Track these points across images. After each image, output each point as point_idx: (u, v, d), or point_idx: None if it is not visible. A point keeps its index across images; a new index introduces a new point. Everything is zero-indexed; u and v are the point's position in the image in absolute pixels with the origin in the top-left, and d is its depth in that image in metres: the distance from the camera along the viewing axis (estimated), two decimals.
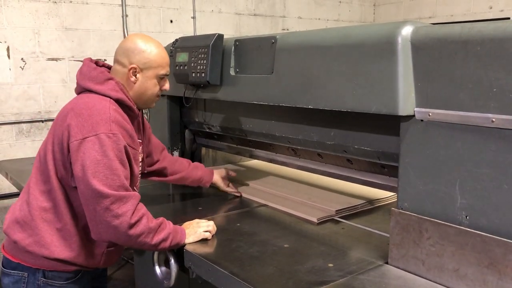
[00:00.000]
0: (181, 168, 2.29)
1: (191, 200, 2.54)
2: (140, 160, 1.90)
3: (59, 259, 1.70)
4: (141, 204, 1.66)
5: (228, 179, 2.45)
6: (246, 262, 1.67)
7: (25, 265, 1.72)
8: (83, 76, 1.75)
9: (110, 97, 1.70)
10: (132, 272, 3.61)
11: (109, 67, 1.84)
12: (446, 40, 1.41)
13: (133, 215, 1.59)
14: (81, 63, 1.85)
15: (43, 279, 1.72)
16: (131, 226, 1.58)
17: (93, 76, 1.72)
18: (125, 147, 1.65)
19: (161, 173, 2.25)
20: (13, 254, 1.74)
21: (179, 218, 2.14)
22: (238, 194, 2.43)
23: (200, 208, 2.32)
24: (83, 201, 1.61)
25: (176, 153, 2.87)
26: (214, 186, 2.43)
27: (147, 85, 1.78)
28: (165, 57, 1.81)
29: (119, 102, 1.72)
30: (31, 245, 1.68)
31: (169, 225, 1.74)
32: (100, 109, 1.64)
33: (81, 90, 1.76)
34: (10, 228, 1.72)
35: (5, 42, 3.72)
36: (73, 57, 3.98)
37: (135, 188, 1.80)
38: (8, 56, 3.75)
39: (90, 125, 1.59)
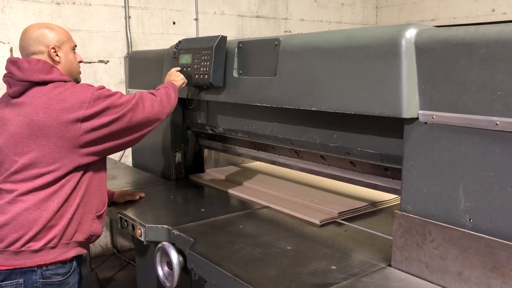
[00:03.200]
0: None
1: (193, 201, 2.54)
2: None
3: (59, 245, 1.73)
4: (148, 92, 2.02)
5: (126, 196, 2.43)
6: (249, 264, 1.67)
7: (21, 267, 1.67)
8: (29, 71, 1.74)
9: (65, 81, 1.79)
10: (134, 273, 3.61)
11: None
12: (450, 42, 1.41)
13: (154, 99, 1.99)
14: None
15: (42, 280, 1.70)
16: (159, 102, 1.99)
17: (40, 68, 1.75)
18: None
19: None
20: (2, 263, 1.67)
21: (182, 219, 2.15)
22: (141, 195, 2.47)
23: (202, 209, 2.32)
24: (124, 127, 1.83)
25: (178, 155, 2.88)
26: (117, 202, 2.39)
27: (69, 58, 1.89)
28: (68, 31, 1.94)
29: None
30: (27, 242, 1.67)
31: (161, 90, 2.09)
32: (74, 85, 1.78)
33: (28, 86, 1.75)
34: None
35: (9, 43, 3.73)
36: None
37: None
38: None
39: (83, 95, 1.72)
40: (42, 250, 1.70)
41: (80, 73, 1.99)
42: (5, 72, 1.80)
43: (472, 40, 1.36)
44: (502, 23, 1.40)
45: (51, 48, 1.82)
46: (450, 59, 1.41)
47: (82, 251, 1.84)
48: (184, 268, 1.90)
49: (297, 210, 2.20)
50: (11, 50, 3.73)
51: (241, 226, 2.05)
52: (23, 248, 1.67)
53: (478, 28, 1.37)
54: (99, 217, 1.89)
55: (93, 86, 1.81)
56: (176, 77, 2.32)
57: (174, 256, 1.91)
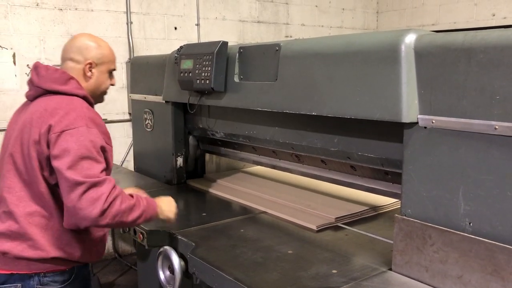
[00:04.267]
0: None
1: (194, 206, 2.55)
2: None
3: (56, 257, 1.70)
4: (116, 187, 1.68)
5: None
6: (250, 268, 1.68)
7: (19, 273, 1.69)
8: (44, 78, 1.76)
9: (77, 96, 1.76)
10: (135, 278, 3.61)
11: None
12: (449, 48, 1.42)
13: (108, 198, 1.61)
14: None
15: (39, 286, 1.71)
16: (105, 210, 1.59)
17: (56, 78, 1.76)
18: (103, 141, 1.71)
19: None
20: (1, 266, 1.70)
21: (183, 224, 2.16)
22: None
23: (203, 214, 2.33)
24: (61, 191, 1.63)
25: (180, 159, 2.89)
26: None
27: (101, 79, 1.87)
28: (114, 54, 1.94)
29: (84, 99, 1.79)
30: (25, 251, 1.67)
31: (142, 202, 1.77)
32: (74, 108, 1.70)
33: (41, 93, 1.77)
34: None
35: (11, 48, 3.75)
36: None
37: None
38: (14, 63, 3.78)
39: (68, 121, 1.65)
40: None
41: (105, 94, 1.97)
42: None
43: (471, 45, 1.37)
44: (502, 27, 1.41)
45: (88, 63, 1.82)
46: (449, 64, 1.42)
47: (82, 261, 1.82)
48: (185, 273, 1.91)
49: (294, 216, 2.21)
50: (13, 55, 3.76)
51: (242, 230, 2.06)
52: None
53: (477, 33, 1.38)
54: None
55: (89, 133, 1.66)
56: (166, 207, 1.91)
57: (176, 261, 1.91)
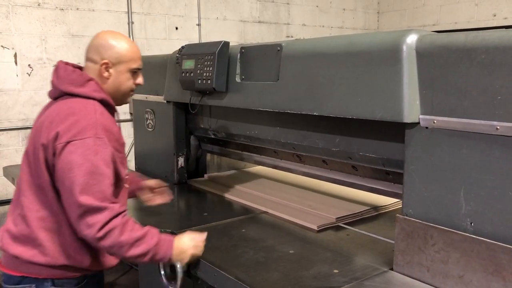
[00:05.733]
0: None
1: (195, 205, 2.55)
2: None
3: (65, 265, 1.67)
4: (118, 217, 1.57)
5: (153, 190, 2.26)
6: (252, 267, 1.68)
7: (31, 277, 1.68)
8: (62, 80, 1.71)
9: (94, 98, 1.69)
10: (137, 277, 3.62)
11: (80, 68, 1.81)
12: (451, 48, 1.43)
13: (103, 228, 1.53)
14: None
15: (53, 287, 1.70)
16: (99, 238, 1.54)
17: (73, 79, 1.70)
18: (111, 152, 1.63)
19: None
20: (15, 268, 1.69)
21: (185, 223, 2.16)
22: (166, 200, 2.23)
23: (205, 214, 2.33)
24: (64, 204, 1.60)
25: (181, 159, 2.89)
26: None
27: (120, 79, 1.77)
28: (136, 51, 1.81)
29: (102, 102, 1.71)
30: (35, 256, 1.65)
31: (150, 240, 1.62)
32: (86, 114, 1.62)
33: (60, 94, 1.72)
34: (8, 244, 1.68)
35: (13, 48, 3.76)
36: (79, 63, 4.01)
37: (124, 185, 1.78)
38: (16, 63, 3.79)
39: (77, 130, 1.58)
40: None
41: (131, 95, 1.87)
42: None
43: (472, 46, 1.37)
44: (503, 28, 1.41)
45: (104, 63, 1.72)
46: (450, 64, 1.43)
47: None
48: (187, 272, 1.91)
49: (295, 216, 2.21)
50: (15, 55, 3.77)
51: (243, 230, 2.07)
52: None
53: (478, 34, 1.39)
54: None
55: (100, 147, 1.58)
56: (187, 245, 1.73)
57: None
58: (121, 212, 1.59)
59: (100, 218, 1.53)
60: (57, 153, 1.57)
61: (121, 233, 1.56)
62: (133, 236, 1.58)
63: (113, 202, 1.59)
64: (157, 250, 1.63)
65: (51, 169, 1.63)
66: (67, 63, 1.77)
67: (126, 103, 1.90)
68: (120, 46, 1.75)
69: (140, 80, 1.84)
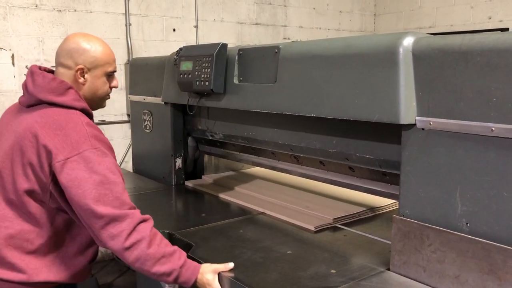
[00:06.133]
0: None
1: (193, 206, 2.56)
2: None
3: (40, 282, 1.58)
4: (144, 225, 1.53)
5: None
6: (250, 268, 1.69)
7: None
8: (40, 87, 1.61)
9: (75, 108, 1.62)
10: (134, 279, 3.62)
11: (51, 71, 1.72)
12: (447, 50, 1.44)
13: (129, 237, 1.48)
14: None
15: None
16: (126, 249, 1.48)
17: (53, 87, 1.60)
18: (112, 159, 1.59)
19: None
20: None
21: (183, 224, 2.17)
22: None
23: (203, 215, 2.34)
24: (82, 220, 1.54)
25: (179, 160, 2.90)
26: None
27: (97, 84, 1.70)
28: (111, 54, 1.73)
29: (83, 111, 1.64)
30: (4, 274, 1.55)
31: (177, 260, 1.55)
32: (74, 126, 1.55)
33: (36, 102, 1.62)
34: None
35: (10, 50, 3.76)
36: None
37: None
38: (13, 64, 3.79)
39: (70, 145, 1.51)
40: None
41: (107, 99, 1.80)
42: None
43: (468, 48, 1.39)
44: (498, 30, 1.43)
45: (79, 69, 1.65)
46: (446, 66, 1.44)
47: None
48: None
49: (292, 216, 2.22)
50: (12, 57, 3.77)
51: (241, 231, 2.08)
52: None
53: (474, 37, 1.41)
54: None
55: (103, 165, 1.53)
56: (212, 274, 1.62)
57: None
58: (144, 220, 1.54)
59: (124, 226, 1.48)
60: (58, 171, 1.50)
61: (149, 245, 1.50)
62: (160, 251, 1.51)
63: (132, 208, 1.54)
64: (182, 272, 1.55)
65: (40, 186, 1.55)
66: (41, 68, 1.69)
67: (102, 107, 1.83)
68: (94, 49, 1.67)
69: (115, 83, 1.78)
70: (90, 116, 1.70)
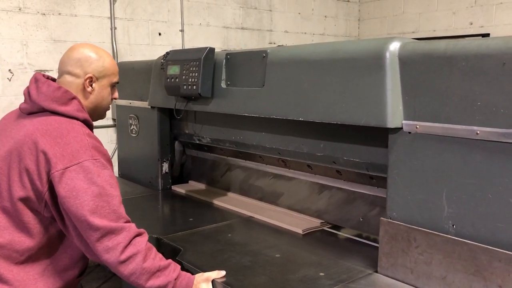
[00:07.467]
0: None
1: (180, 211, 2.55)
2: None
3: None
4: (139, 239, 1.53)
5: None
6: (239, 272, 1.69)
7: None
8: (45, 96, 1.60)
9: (77, 119, 1.62)
10: (119, 285, 3.58)
11: (53, 80, 1.72)
12: (432, 55, 1.47)
13: (125, 250, 1.47)
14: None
15: None
16: (121, 262, 1.47)
17: (57, 97, 1.60)
18: (111, 172, 1.57)
19: None
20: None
21: (170, 229, 2.16)
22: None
23: (190, 219, 2.33)
24: (76, 232, 1.53)
25: (165, 165, 2.89)
26: None
27: (102, 94, 1.73)
28: (116, 65, 1.79)
29: (84, 122, 1.65)
30: None
31: (172, 273, 1.55)
32: (76, 135, 1.55)
33: (38, 110, 1.62)
34: None
35: None
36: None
37: None
38: None
39: (70, 154, 1.50)
40: None
41: (108, 110, 1.82)
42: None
43: (452, 54, 1.42)
44: (480, 36, 1.46)
45: (88, 77, 1.67)
46: (432, 71, 1.47)
47: None
48: None
49: (280, 220, 2.23)
50: None
51: (229, 235, 2.08)
52: None
53: (458, 42, 1.44)
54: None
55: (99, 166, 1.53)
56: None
57: None
58: (139, 234, 1.54)
59: (120, 239, 1.47)
60: (56, 181, 1.48)
61: (145, 259, 1.49)
62: (155, 265, 1.51)
63: (128, 221, 1.54)
64: (176, 285, 1.55)
65: (36, 194, 1.53)
66: (44, 76, 1.69)
67: (102, 118, 1.84)
68: (103, 59, 1.71)
69: (116, 94, 1.82)
70: (91, 128, 1.70)
